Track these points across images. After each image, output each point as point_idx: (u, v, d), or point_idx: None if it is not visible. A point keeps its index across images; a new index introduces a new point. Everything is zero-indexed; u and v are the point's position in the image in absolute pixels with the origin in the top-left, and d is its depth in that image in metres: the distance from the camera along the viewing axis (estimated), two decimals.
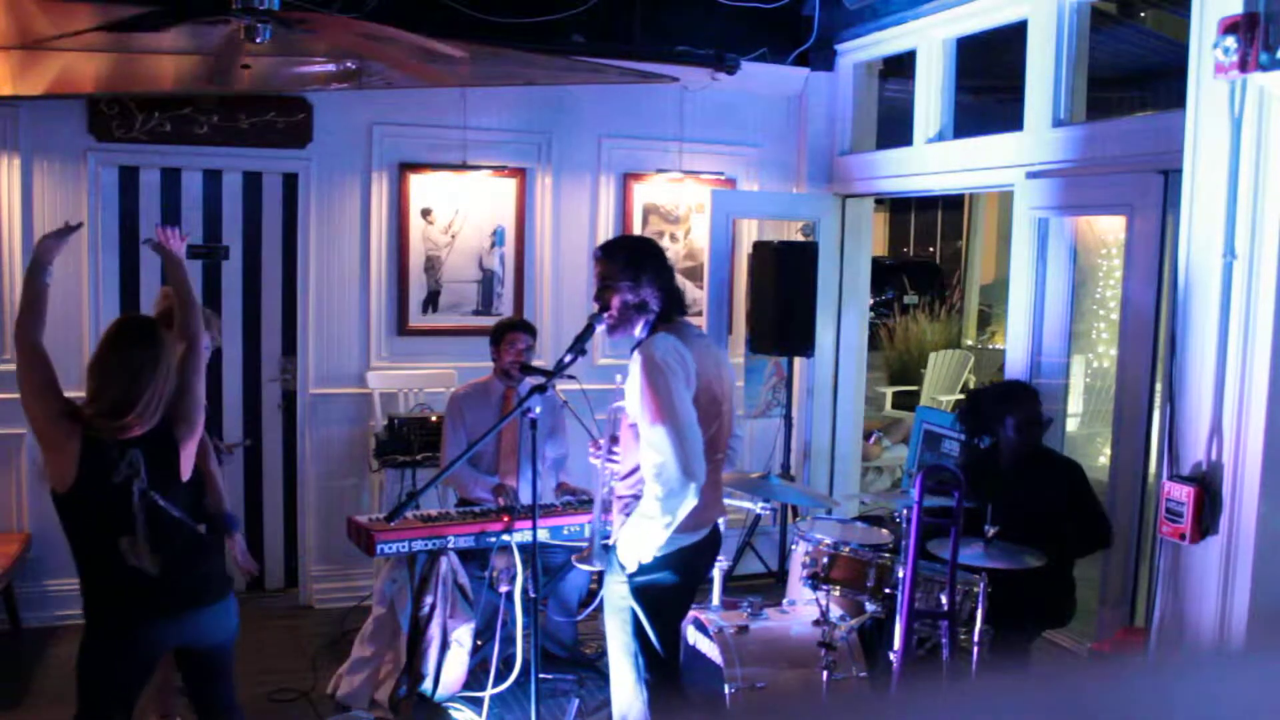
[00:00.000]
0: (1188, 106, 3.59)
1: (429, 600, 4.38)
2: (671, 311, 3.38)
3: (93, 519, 3.02)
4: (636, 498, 3.29)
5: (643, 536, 3.23)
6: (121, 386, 2.99)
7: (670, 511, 3.16)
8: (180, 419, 3.13)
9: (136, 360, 3.02)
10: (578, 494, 4.89)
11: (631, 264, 3.34)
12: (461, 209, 5.90)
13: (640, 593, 3.30)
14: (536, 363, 5.02)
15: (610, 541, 3.40)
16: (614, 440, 3.46)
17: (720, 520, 3.51)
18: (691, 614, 4.02)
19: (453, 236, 5.90)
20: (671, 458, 3.12)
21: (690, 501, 3.15)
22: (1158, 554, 3.82)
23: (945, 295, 12.08)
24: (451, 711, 4.49)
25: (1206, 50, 3.44)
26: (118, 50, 4.24)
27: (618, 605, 3.36)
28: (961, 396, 9.83)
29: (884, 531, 4.31)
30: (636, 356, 3.24)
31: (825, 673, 3.82)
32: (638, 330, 3.37)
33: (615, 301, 3.35)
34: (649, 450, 3.18)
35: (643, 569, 3.28)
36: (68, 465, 2.96)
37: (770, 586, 5.74)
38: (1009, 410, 4.28)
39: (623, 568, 3.31)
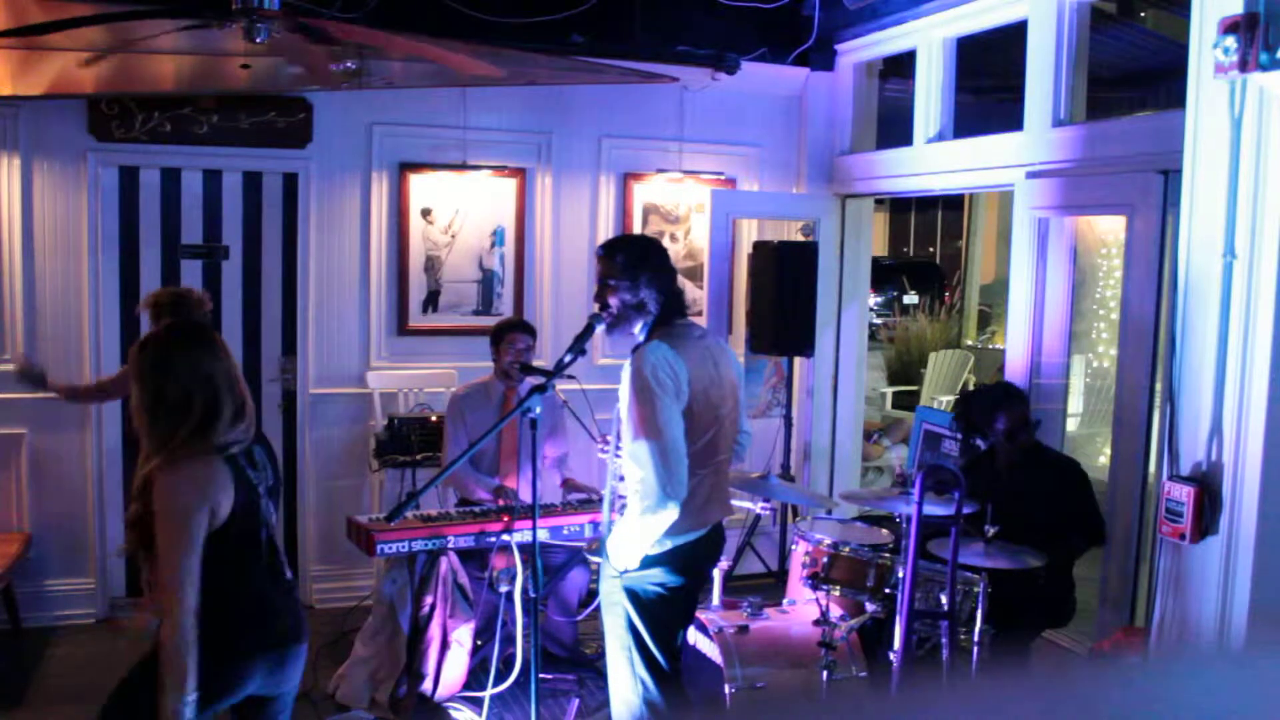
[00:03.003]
0: (1188, 106, 3.59)
1: (429, 600, 4.38)
2: (671, 313, 3.37)
3: (233, 544, 2.69)
4: None
5: (627, 542, 3.24)
6: (234, 389, 2.71)
7: (650, 524, 3.17)
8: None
9: (227, 360, 2.75)
10: (584, 490, 4.90)
11: (631, 264, 3.34)
12: (461, 209, 5.90)
13: (632, 590, 3.31)
14: (536, 363, 5.02)
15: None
16: (620, 437, 3.46)
17: (723, 520, 3.51)
18: None
19: (453, 236, 5.90)
20: (652, 474, 3.13)
21: (669, 517, 3.16)
22: (1158, 554, 3.82)
23: (945, 295, 12.08)
24: (451, 711, 4.49)
25: (1206, 50, 3.44)
26: (118, 50, 4.24)
27: (613, 602, 3.36)
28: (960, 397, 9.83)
29: (884, 531, 4.31)
30: (629, 364, 3.24)
31: (825, 673, 3.82)
32: (637, 330, 3.37)
33: (614, 301, 3.35)
34: (632, 462, 3.19)
35: (636, 566, 3.29)
36: (225, 500, 2.64)
37: (770, 586, 5.74)
38: (998, 415, 4.30)
39: (615, 567, 3.32)
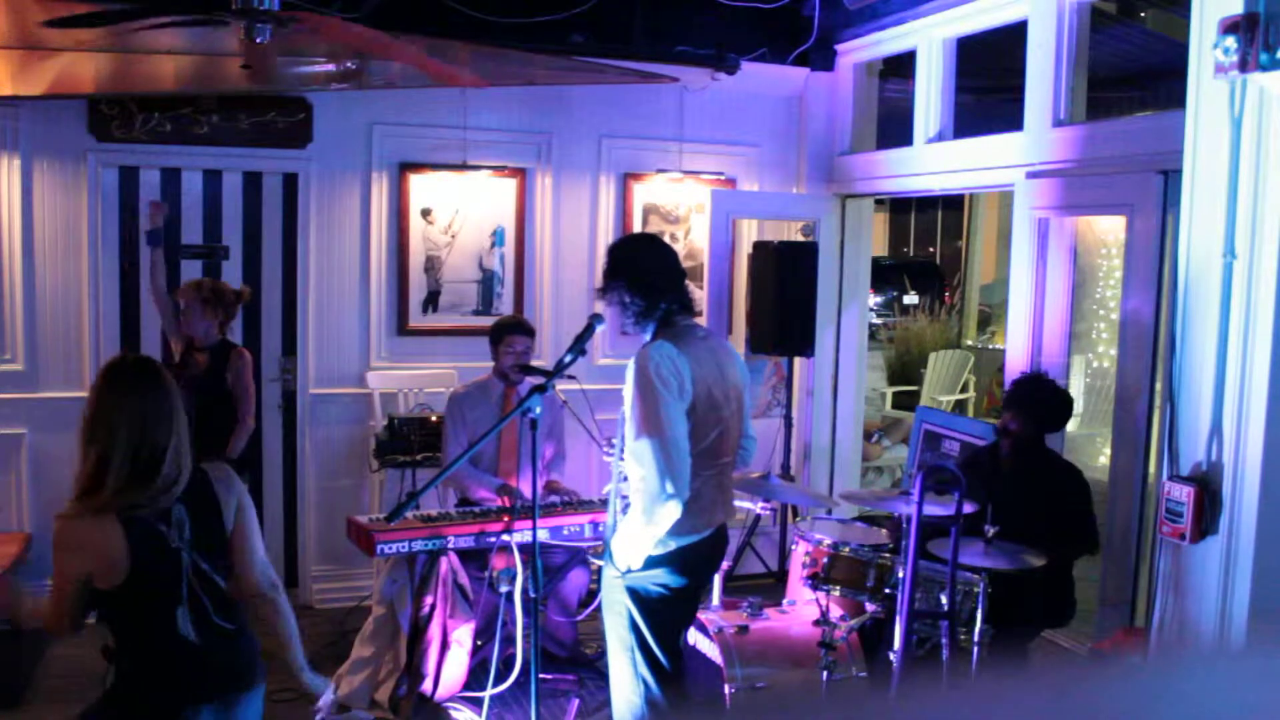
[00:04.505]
0: (1188, 106, 3.59)
1: (429, 600, 4.38)
2: (675, 313, 3.36)
3: (146, 600, 2.64)
4: None
5: (630, 542, 3.24)
6: (154, 449, 2.59)
7: (652, 524, 3.16)
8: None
9: (155, 406, 2.61)
10: (564, 494, 4.83)
11: (634, 264, 3.34)
12: (461, 209, 5.90)
13: (634, 590, 3.30)
14: (536, 363, 5.02)
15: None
16: (624, 439, 3.46)
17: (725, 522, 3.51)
18: None
19: (453, 236, 5.90)
20: (654, 473, 3.12)
21: (672, 515, 3.15)
22: (1158, 554, 3.82)
23: (945, 295, 12.08)
24: (451, 711, 4.49)
25: (1206, 50, 3.43)
26: (118, 50, 4.24)
27: (614, 602, 3.36)
28: (962, 396, 9.84)
29: (883, 531, 4.31)
30: (633, 364, 3.23)
31: (825, 673, 3.82)
32: (641, 331, 3.37)
33: (622, 301, 3.34)
34: (634, 462, 3.18)
35: (639, 566, 3.29)
36: (117, 560, 2.56)
37: (770, 586, 5.74)
38: (1010, 409, 4.26)
39: (618, 566, 3.32)
